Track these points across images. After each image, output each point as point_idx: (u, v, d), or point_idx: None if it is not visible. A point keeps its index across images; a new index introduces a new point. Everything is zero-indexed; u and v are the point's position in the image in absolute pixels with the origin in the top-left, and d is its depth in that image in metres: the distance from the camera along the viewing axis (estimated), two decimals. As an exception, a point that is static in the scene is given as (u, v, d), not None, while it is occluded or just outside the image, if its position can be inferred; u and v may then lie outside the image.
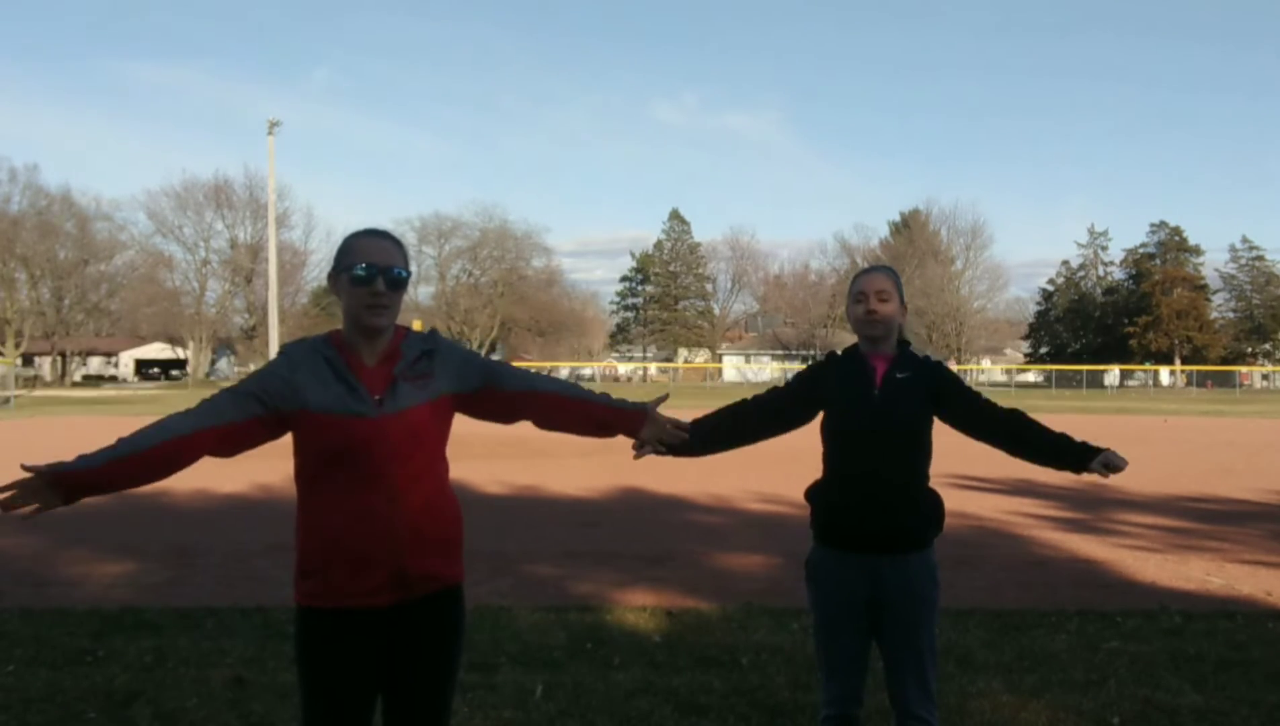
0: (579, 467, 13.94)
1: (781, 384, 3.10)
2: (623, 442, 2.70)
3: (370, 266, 2.27)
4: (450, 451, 2.44)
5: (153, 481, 2.28)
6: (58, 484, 2.14)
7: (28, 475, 2.13)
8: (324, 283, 59.73)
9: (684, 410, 3.11)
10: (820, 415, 2.95)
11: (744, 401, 3.08)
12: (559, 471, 13.54)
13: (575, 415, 2.56)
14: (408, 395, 2.28)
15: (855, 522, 2.81)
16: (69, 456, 2.20)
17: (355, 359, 2.29)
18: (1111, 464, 2.75)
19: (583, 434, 2.61)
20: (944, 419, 2.93)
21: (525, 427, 2.59)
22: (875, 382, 2.85)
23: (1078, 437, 2.87)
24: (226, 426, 2.24)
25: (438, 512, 2.33)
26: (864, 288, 2.90)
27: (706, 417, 2.99)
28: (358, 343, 2.31)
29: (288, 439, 2.35)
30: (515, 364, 2.76)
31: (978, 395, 2.98)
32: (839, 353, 3.00)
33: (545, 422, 2.55)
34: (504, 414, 2.51)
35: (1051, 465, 2.90)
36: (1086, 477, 2.91)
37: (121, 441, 2.21)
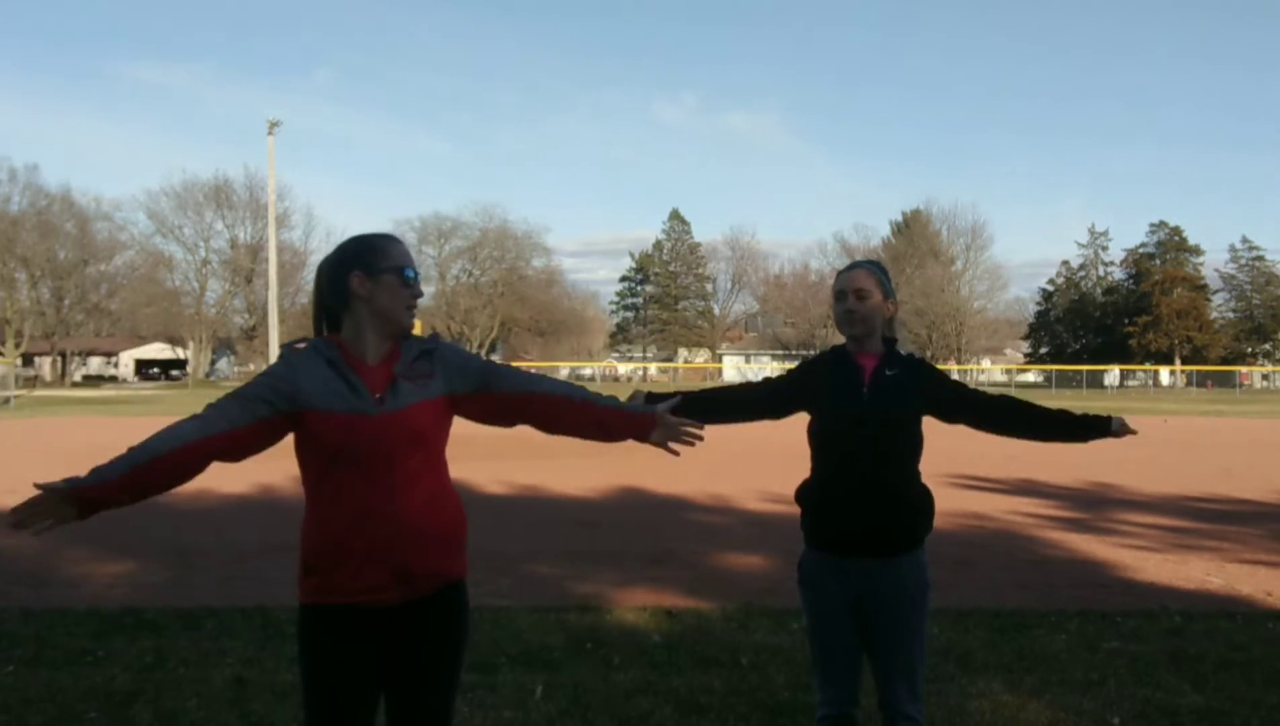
0: (579, 467, 13.94)
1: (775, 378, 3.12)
2: (626, 442, 2.66)
3: (415, 271, 2.39)
4: (450, 451, 2.44)
5: (165, 489, 2.27)
6: (72, 499, 2.12)
7: (39, 493, 2.10)
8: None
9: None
10: (808, 416, 2.95)
11: (741, 388, 3.14)
12: (559, 471, 13.53)
13: (579, 418, 2.49)
14: (408, 393, 2.30)
15: (846, 524, 2.81)
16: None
17: (356, 359, 2.32)
18: (1126, 428, 2.94)
19: (585, 437, 2.53)
20: (938, 415, 2.94)
21: (526, 428, 2.58)
22: (864, 382, 2.85)
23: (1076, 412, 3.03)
24: (235, 431, 2.24)
25: (439, 509, 2.34)
26: (843, 286, 2.91)
27: (704, 394, 3.05)
28: (362, 343, 2.33)
29: (288, 439, 2.35)
30: (515, 364, 2.76)
31: (964, 385, 3.01)
32: (828, 352, 3.00)
33: (547, 426, 2.50)
34: (503, 416, 2.48)
35: (1060, 439, 3.03)
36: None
37: (133, 450, 2.19)
